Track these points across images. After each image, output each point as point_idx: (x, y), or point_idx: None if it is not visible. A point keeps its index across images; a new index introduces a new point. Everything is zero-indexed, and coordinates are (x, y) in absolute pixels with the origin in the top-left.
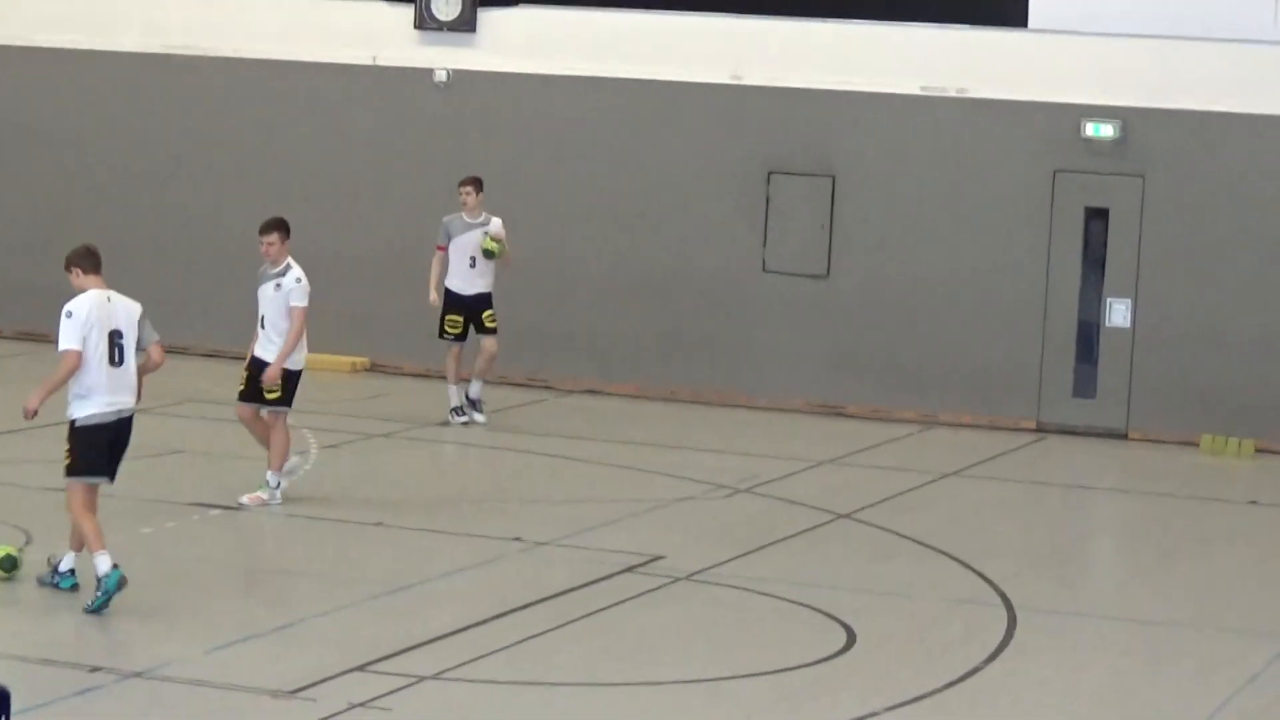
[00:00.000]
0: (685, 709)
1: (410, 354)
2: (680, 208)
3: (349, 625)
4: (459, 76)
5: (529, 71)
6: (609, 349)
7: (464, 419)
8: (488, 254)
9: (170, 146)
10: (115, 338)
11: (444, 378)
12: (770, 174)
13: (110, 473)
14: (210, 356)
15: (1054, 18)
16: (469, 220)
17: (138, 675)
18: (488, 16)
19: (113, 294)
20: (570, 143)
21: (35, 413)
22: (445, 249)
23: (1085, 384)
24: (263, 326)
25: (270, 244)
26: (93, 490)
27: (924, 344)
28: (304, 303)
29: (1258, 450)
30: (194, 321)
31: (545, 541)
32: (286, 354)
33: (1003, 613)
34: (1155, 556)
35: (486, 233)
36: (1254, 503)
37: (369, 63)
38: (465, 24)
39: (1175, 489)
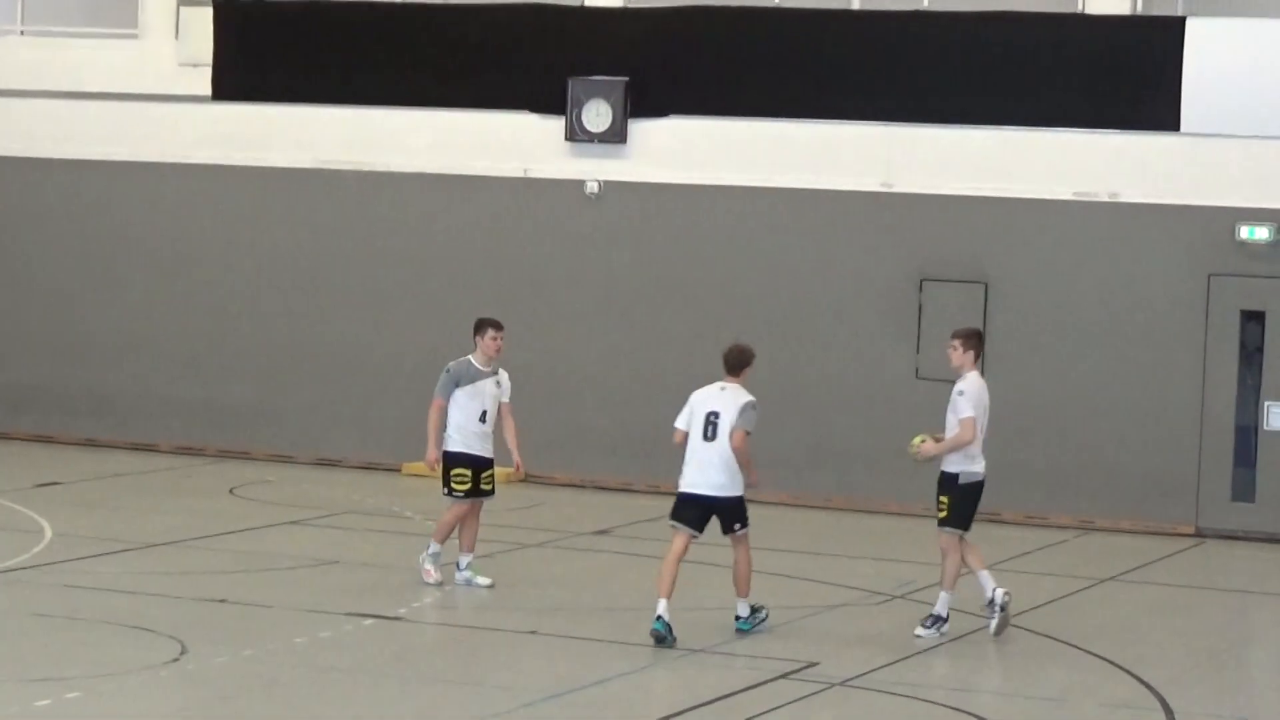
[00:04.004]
0: None
1: (564, 465)
2: (832, 316)
3: None
4: (609, 188)
5: (680, 181)
6: (761, 458)
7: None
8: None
9: (321, 262)
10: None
11: (599, 488)
12: (923, 281)
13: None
14: (364, 469)
15: (1206, 121)
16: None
17: None
18: (638, 127)
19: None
20: (722, 251)
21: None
22: None
23: (1244, 488)
24: (483, 421)
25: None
26: None
27: (1078, 450)
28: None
29: None
30: (348, 434)
31: (699, 649)
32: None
33: (1162, 718)
34: None
35: None
36: None
37: (520, 175)
38: (616, 135)
39: None
